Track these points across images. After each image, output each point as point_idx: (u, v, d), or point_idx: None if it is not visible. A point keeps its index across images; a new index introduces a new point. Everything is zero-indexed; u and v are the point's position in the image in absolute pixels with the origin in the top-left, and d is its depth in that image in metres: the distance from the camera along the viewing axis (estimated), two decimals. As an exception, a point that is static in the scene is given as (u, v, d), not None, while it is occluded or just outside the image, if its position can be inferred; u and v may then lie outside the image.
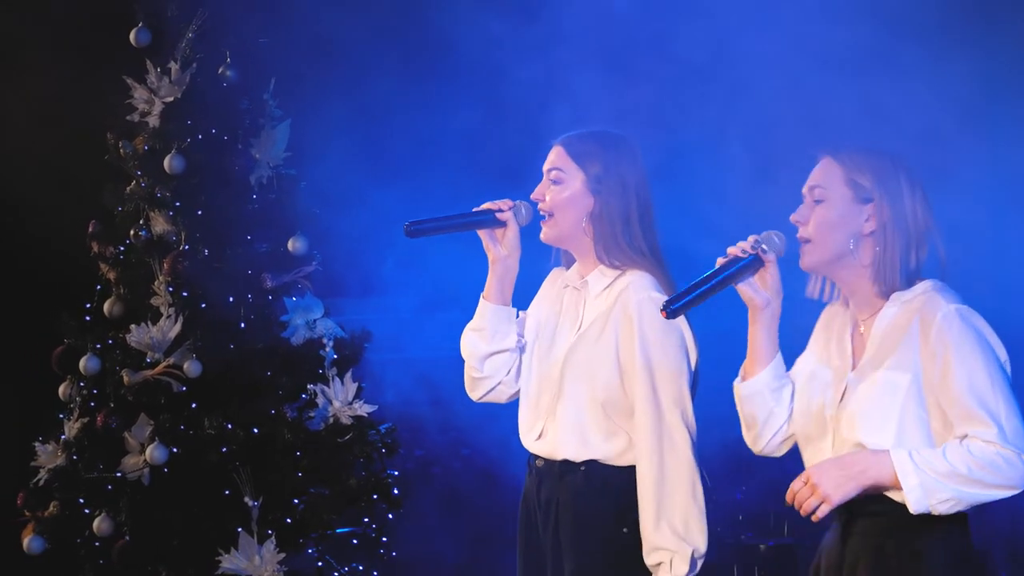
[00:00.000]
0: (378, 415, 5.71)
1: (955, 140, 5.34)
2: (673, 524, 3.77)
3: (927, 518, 3.20)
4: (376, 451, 5.68)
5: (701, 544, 3.79)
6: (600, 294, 3.93)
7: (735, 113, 6.07)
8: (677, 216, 4.80)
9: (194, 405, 5.58)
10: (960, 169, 5.10)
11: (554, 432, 3.92)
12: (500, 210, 4.00)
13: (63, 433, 5.68)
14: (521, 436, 4.03)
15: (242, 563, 5.40)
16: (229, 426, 5.51)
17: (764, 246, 3.40)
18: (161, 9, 5.76)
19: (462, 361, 4.09)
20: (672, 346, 3.82)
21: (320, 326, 5.75)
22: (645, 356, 3.81)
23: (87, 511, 5.61)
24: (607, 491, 3.86)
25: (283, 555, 5.41)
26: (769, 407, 3.48)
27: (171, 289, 5.61)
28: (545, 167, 3.98)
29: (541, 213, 3.97)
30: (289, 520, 5.54)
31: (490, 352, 4.04)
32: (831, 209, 3.36)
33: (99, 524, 5.57)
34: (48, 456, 5.67)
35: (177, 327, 5.60)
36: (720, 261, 3.42)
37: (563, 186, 3.94)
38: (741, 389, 3.50)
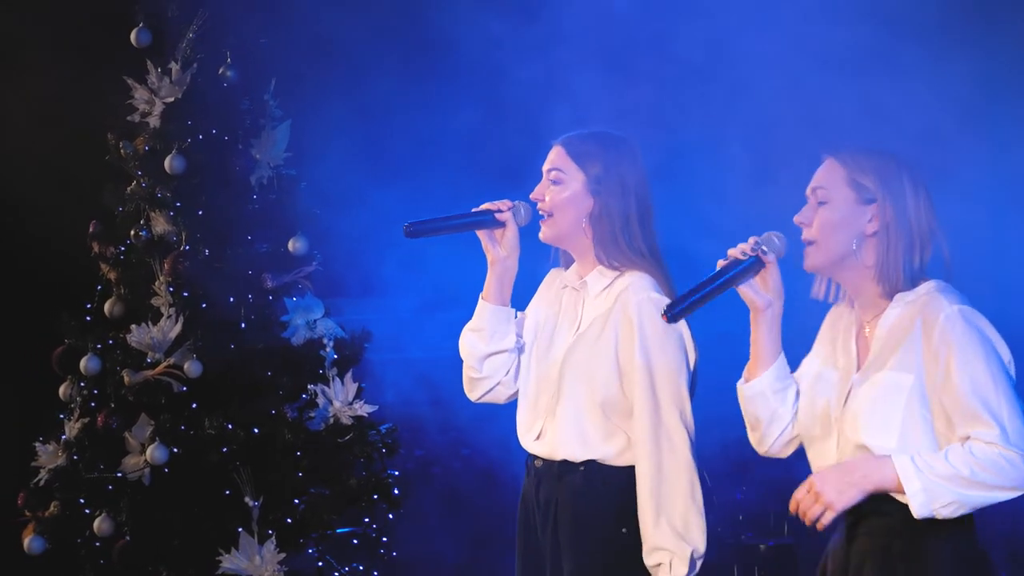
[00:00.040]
0: (378, 415, 5.71)
1: (955, 140, 5.34)
2: (673, 524, 3.77)
3: (932, 520, 3.20)
4: (376, 451, 5.68)
5: (700, 544, 3.80)
6: (599, 295, 3.93)
7: (735, 113, 6.07)
8: (677, 216, 4.81)
9: (194, 405, 5.58)
10: (960, 169, 5.10)
11: (553, 432, 3.92)
12: (499, 211, 4.00)
13: (64, 433, 5.68)
14: (519, 436, 4.03)
15: (242, 563, 5.40)
16: (229, 426, 5.51)
17: (764, 247, 3.40)
18: (161, 9, 5.76)
19: (462, 361, 4.09)
20: (671, 347, 3.82)
21: (320, 326, 5.75)
22: (644, 356, 3.81)
23: (88, 511, 5.61)
24: (606, 491, 3.86)
25: (283, 555, 5.41)
26: (772, 408, 3.48)
27: (172, 289, 5.61)
28: (545, 167, 3.98)
29: (540, 213, 3.97)
30: (289, 520, 5.54)
31: (489, 352, 4.04)
32: (834, 210, 3.36)
33: (100, 524, 5.57)
34: (49, 456, 5.67)
35: (178, 327, 5.60)
36: (720, 263, 3.42)
37: (563, 186, 3.94)
38: (744, 391, 3.50)
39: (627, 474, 3.84)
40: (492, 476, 6.15)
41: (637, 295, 3.85)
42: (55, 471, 5.64)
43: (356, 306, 6.47)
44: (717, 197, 5.94)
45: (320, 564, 5.62)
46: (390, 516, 5.70)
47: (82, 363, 5.68)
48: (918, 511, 3.17)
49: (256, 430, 5.54)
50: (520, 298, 4.08)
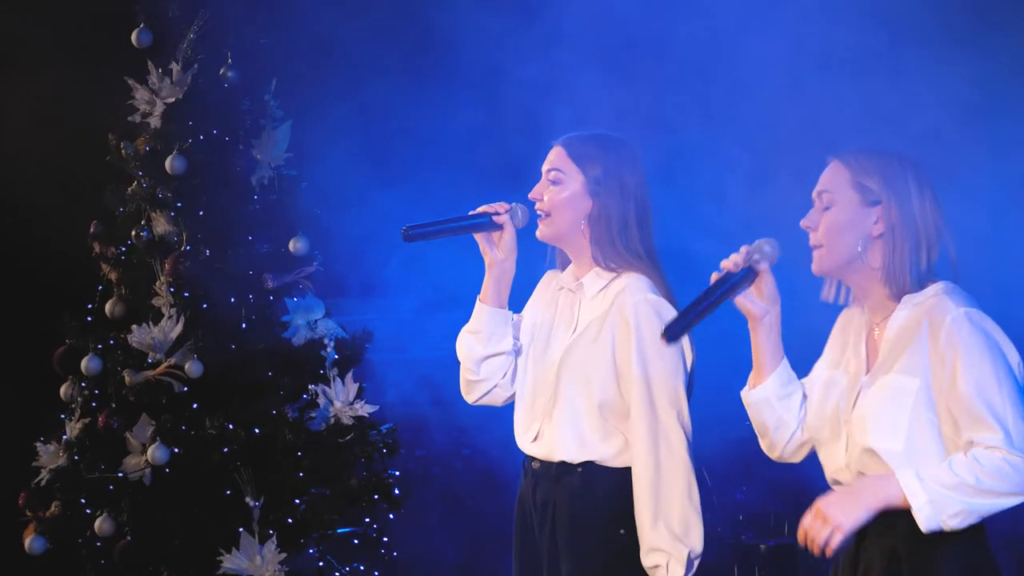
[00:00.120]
0: (379, 415, 5.71)
1: (955, 141, 5.34)
2: (670, 525, 3.77)
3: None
4: (377, 451, 5.68)
5: (698, 545, 3.80)
6: (596, 296, 3.93)
7: (735, 113, 6.07)
8: (677, 217, 4.81)
9: (195, 405, 5.58)
10: (960, 170, 5.10)
11: (550, 434, 3.92)
12: (497, 213, 3.99)
13: (64, 433, 5.69)
14: (517, 438, 4.03)
15: (243, 563, 5.41)
16: (230, 426, 5.51)
17: (756, 256, 3.39)
18: (162, 10, 5.75)
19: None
20: (668, 348, 3.81)
21: (321, 326, 5.75)
22: (642, 358, 3.81)
23: (88, 511, 5.61)
24: (604, 492, 3.86)
25: (284, 555, 5.42)
26: (778, 414, 3.47)
27: (172, 290, 5.61)
28: (544, 167, 3.98)
29: (538, 212, 3.97)
30: (290, 520, 5.54)
31: (486, 355, 4.04)
32: (839, 213, 3.35)
33: (101, 524, 5.57)
34: (49, 456, 5.68)
35: (178, 327, 5.60)
36: (714, 277, 3.39)
37: (562, 187, 3.94)
38: (748, 398, 3.50)
39: (625, 475, 3.85)
40: (493, 476, 6.15)
41: (634, 297, 3.85)
42: (56, 471, 5.65)
43: (357, 306, 6.47)
44: (717, 197, 5.93)
45: (321, 564, 5.62)
46: (391, 516, 5.71)
47: (83, 363, 5.69)
48: (925, 524, 3.15)
49: (257, 430, 5.54)
50: (516, 300, 4.09)
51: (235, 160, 5.72)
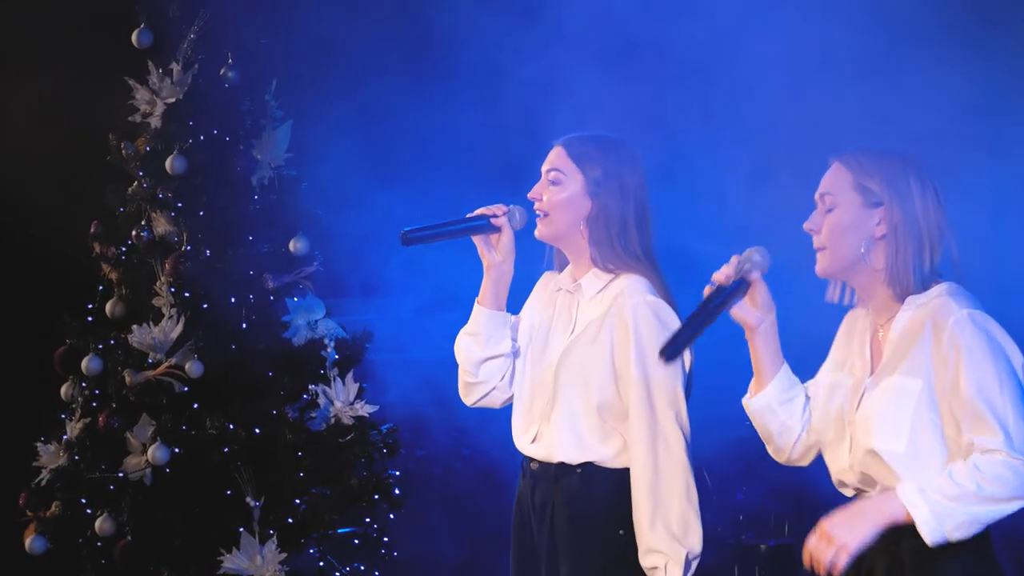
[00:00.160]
0: (379, 415, 5.71)
1: (956, 142, 5.33)
2: (669, 525, 3.77)
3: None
4: (377, 451, 5.68)
5: (696, 545, 3.80)
6: (594, 297, 3.92)
7: (735, 114, 6.07)
8: (677, 217, 4.80)
9: (196, 405, 5.58)
10: (961, 170, 5.10)
11: (549, 435, 3.92)
12: (494, 216, 3.99)
13: (65, 433, 5.69)
14: (515, 439, 4.03)
15: (244, 563, 5.41)
16: (231, 426, 5.52)
17: (747, 266, 3.37)
18: (163, 10, 5.76)
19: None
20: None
21: (321, 326, 5.75)
22: (640, 358, 3.81)
23: (89, 511, 5.62)
24: (603, 493, 3.86)
25: (284, 555, 5.42)
26: (781, 420, 3.47)
27: (173, 290, 5.62)
28: (544, 167, 3.98)
29: (537, 212, 3.96)
30: (291, 520, 5.54)
31: (485, 357, 4.04)
32: (842, 216, 3.35)
33: (101, 524, 5.57)
34: (50, 456, 5.68)
35: (179, 327, 5.60)
36: (707, 291, 3.37)
37: (561, 187, 3.93)
38: (750, 406, 3.49)
39: (624, 476, 3.84)
40: (493, 476, 6.15)
41: (633, 298, 3.84)
42: (56, 471, 5.65)
43: (357, 306, 6.48)
44: (717, 198, 5.93)
45: (321, 564, 5.62)
46: (391, 516, 5.71)
47: (83, 363, 5.69)
48: (930, 538, 3.14)
49: (257, 430, 5.54)
50: (514, 301, 4.08)
51: (235, 160, 5.72)
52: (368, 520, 5.70)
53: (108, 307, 5.77)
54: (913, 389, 3.25)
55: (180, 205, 5.69)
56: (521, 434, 4.01)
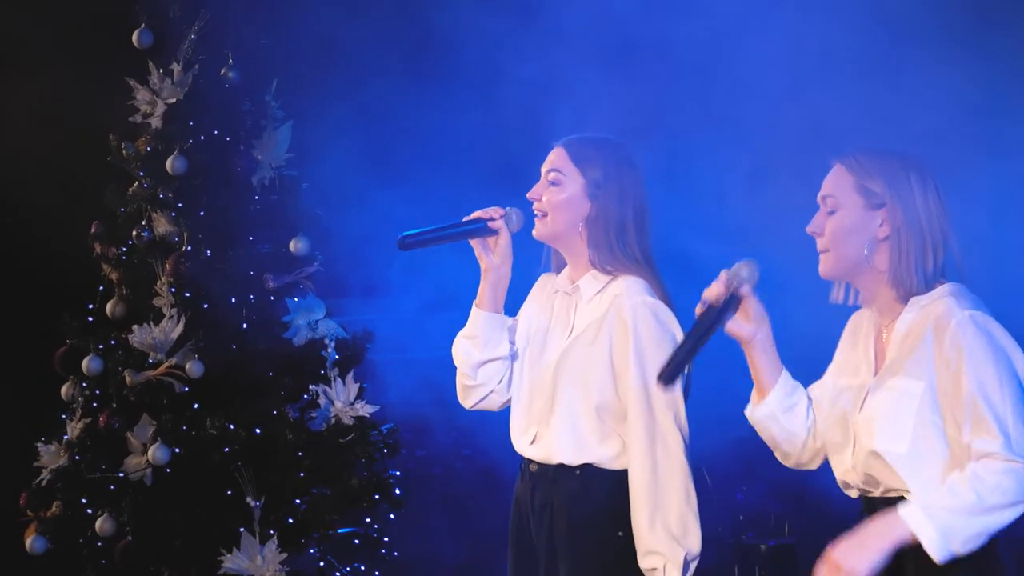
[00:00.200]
0: (380, 415, 5.72)
1: (956, 141, 5.33)
2: (668, 526, 3.77)
3: None
4: (378, 451, 5.68)
5: (695, 546, 3.79)
6: (592, 299, 3.92)
7: (735, 114, 6.07)
8: (677, 217, 4.81)
9: (196, 405, 5.59)
10: (961, 170, 5.09)
11: (548, 437, 3.91)
12: (491, 219, 3.98)
13: (65, 433, 5.69)
14: (513, 441, 4.02)
15: (244, 563, 5.41)
16: (231, 426, 5.52)
17: (736, 282, 3.36)
18: (163, 10, 5.76)
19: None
20: (666, 350, 3.79)
21: (322, 327, 5.76)
22: (639, 359, 3.81)
23: (89, 511, 5.62)
24: (602, 495, 3.85)
25: (285, 555, 5.42)
26: (785, 427, 3.46)
27: (173, 290, 5.62)
28: (544, 167, 3.97)
29: (535, 212, 3.96)
30: (291, 520, 5.55)
31: (483, 360, 4.04)
32: (844, 218, 3.35)
33: (101, 524, 5.58)
34: (51, 456, 5.68)
35: (179, 328, 5.61)
36: (699, 310, 3.37)
37: (561, 188, 3.93)
38: (753, 417, 3.49)
39: (623, 478, 3.84)
40: (493, 477, 6.16)
41: (632, 299, 3.84)
42: (57, 471, 5.65)
43: (358, 306, 6.48)
44: (717, 198, 5.94)
45: (322, 564, 5.62)
46: (391, 516, 5.71)
47: (84, 363, 5.69)
48: (939, 556, 3.13)
49: (258, 430, 5.54)
50: (511, 302, 4.08)
51: (236, 160, 5.73)
52: (368, 520, 5.70)
53: (109, 307, 5.77)
54: (915, 390, 3.25)
55: (181, 205, 5.70)
56: (520, 436, 4.00)
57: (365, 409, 5.66)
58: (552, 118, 5.36)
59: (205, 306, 5.61)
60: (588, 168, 3.91)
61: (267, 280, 5.68)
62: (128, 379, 5.59)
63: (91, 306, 5.79)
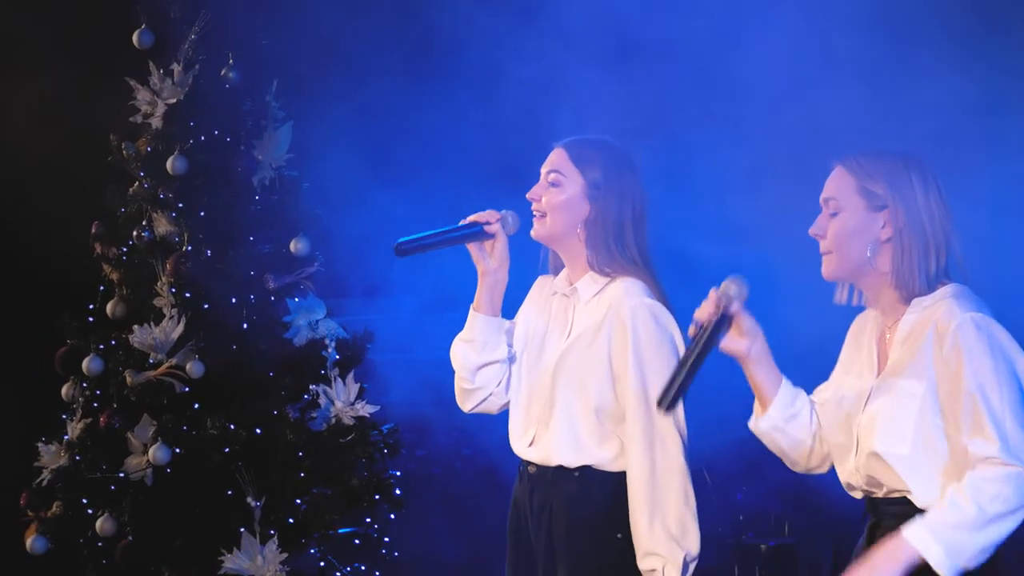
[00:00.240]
0: (380, 415, 5.71)
1: (956, 142, 5.34)
2: (667, 527, 3.77)
3: None
4: (378, 451, 5.68)
5: (694, 547, 3.80)
6: (590, 301, 3.92)
7: (736, 114, 6.07)
8: (677, 217, 4.81)
9: (197, 406, 5.58)
10: (961, 170, 5.09)
11: (547, 439, 3.91)
12: (488, 222, 3.99)
13: (66, 433, 5.69)
14: (512, 443, 4.03)
15: (244, 563, 5.41)
16: (232, 426, 5.52)
17: (725, 300, 3.34)
18: (164, 11, 5.76)
19: (457, 370, 4.10)
20: (665, 351, 3.81)
21: (322, 327, 5.76)
22: (637, 360, 3.81)
23: (90, 511, 5.62)
24: (601, 496, 3.86)
25: (285, 555, 5.42)
26: (789, 436, 3.46)
27: (174, 290, 5.62)
28: (544, 168, 3.97)
29: (534, 213, 3.96)
30: (291, 520, 5.55)
31: (481, 363, 4.04)
32: (846, 220, 3.35)
33: (102, 524, 5.58)
34: (51, 456, 5.68)
35: (180, 328, 5.61)
36: (692, 331, 3.35)
37: (560, 189, 3.93)
38: (756, 429, 3.49)
39: (622, 479, 3.84)
40: (493, 477, 6.15)
41: (631, 301, 3.84)
42: (57, 471, 5.65)
43: (358, 307, 6.48)
44: (717, 198, 5.94)
45: (322, 564, 5.62)
46: (392, 516, 5.71)
47: (84, 363, 5.69)
48: (949, 573, 3.13)
49: (258, 430, 5.54)
50: (508, 305, 4.08)
51: (236, 161, 5.73)
52: (369, 520, 5.70)
53: (109, 307, 5.77)
54: (916, 392, 3.25)
55: (181, 205, 5.69)
56: (518, 438, 4.00)
57: (365, 409, 5.66)
58: (552, 118, 5.36)
59: (206, 306, 5.61)
60: (588, 169, 3.91)
61: (267, 280, 5.68)
62: (129, 379, 5.59)
63: (91, 306, 5.79)
